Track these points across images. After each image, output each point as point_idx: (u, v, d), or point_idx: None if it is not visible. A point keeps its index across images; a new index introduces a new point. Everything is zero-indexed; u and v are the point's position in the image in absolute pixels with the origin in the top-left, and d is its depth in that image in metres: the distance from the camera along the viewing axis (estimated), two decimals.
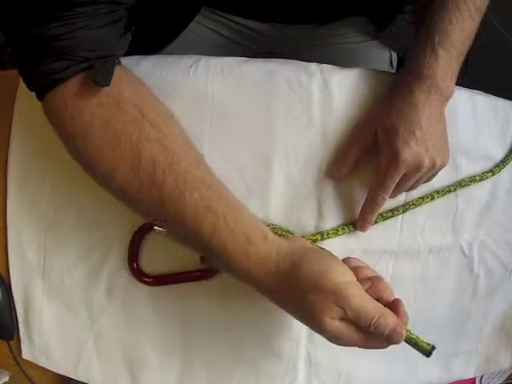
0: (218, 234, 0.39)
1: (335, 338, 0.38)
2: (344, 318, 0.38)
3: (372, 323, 0.37)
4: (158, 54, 0.56)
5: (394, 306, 0.40)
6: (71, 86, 0.39)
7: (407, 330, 0.40)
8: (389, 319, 0.38)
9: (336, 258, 0.42)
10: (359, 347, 0.39)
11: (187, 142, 0.42)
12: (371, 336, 0.38)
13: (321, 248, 0.46)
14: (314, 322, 0.38)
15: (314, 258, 0.40)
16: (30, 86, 0.40)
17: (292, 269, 0.39)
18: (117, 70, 0.40)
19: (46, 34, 0.36)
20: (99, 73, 0.38)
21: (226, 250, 0.39)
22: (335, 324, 0.38)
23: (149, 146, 0.39)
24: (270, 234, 0.41)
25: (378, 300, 0.39)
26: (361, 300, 0.38)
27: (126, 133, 0.39)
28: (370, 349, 0.40)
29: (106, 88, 0.38)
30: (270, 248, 0.40)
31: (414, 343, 0.41)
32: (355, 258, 0.44)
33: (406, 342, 0.41)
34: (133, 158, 0.39)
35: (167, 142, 0.39)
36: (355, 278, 0.40)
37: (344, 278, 0.39)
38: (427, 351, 0.41)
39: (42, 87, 0.39)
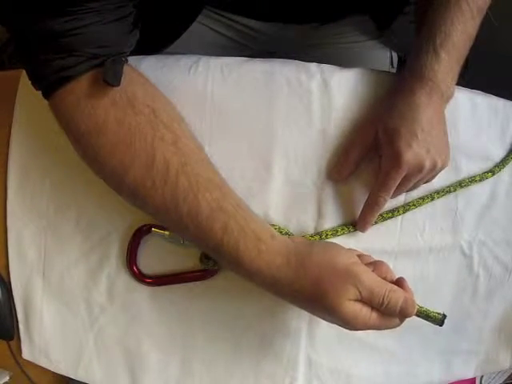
0: (230, 233, 0.40)
1: (351, 321, 0.39)
2: (358, 299, 0.39)
3: (385, 298, 0.39)
4: (159, 53, 0.56)
5: (398, 283, 0.42)
6: (83, 83, 0.39)
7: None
8: (398, 293, 0.40)
9: (339, 244, 0.44)
10: (374, 329, 0.40)
11: (197, 145, 0.43)
12: (384, 315, 0.40)
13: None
14: (331, 307, 0.39)
15: (321, 247, 0.42)
16: (38, 83, 0.40)
17: (302, 260, 0.40)
18: (128, 70, 0.40)
19: (54, 29, 0.36)
20: (109, 72, 0.38)
21: (237, 248, 0.40)
22: (351, 305, 0.39)
23: (163, 146, 0.40)
24: (276, 232, 0.43)
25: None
26: (370, 277, 0.40)
27: (141, 132, 0.39)
28: (384, 329, 0.41)
29: (119, 87, 0.39)
30: (279, 245, 0.41)
31: (425, 315, 0.42)
32: (355, 249, 0.46)
33: (417, 315, 0.42)
34: (146, 157, 0.39)
35: (180, 143, 0.40)
36: (359, 260, 0.42)
37: (352, 259, 0.41)
38: (439, 320, 0.42)
39: (51, 84, 0.39)
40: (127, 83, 0.39)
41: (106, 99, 0.39)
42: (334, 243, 0.44)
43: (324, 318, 0.42)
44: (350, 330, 0.41)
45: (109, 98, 0.39)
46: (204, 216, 0.40)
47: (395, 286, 0.40)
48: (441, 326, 0.43)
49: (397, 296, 0.39)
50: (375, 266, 0.43)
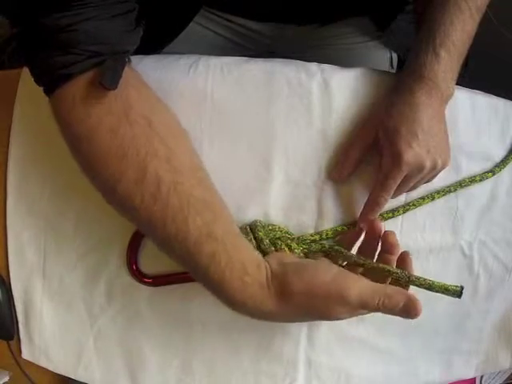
0: (217, 263, 0.38)
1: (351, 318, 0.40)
2: (351, 310, 0.39)
3: (380, 305, 0.38)
4: (158, 54, 0.56)
5: (401, 259, 0.42)
6: (81, 83, 0.37)
7: (432, 281, 0.41)
8: (396, 297, 0.38)
9: (311, 260, 0.43)
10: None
11: (194, 161, 0.41)
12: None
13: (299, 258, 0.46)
14: (326, 320, 0.40)
15: (296, 275, 0.39)
16: (39, 80, 0.39)
17: (281, 289, 0.39)
18: (127, 74, 0.38)
19: (53, 24, 0.35)
20: (108, 71, 0.36)
21: (222, 279, 0.38)
22: (346, 316, 0.39)
23: (156, 162, 0.38)
24: (260, 258, 0.41)
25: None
26: (358, 288, 0.38)
27: (134, 146, 0.38)
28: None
29: (116, 92, 0.37)
30: (261, 276, 0.39)
31: (443, 290, 0.42)
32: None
33: (436, 291, 0.41)
34: (138, 171, 0.38)
35: (175, 161, 0.39)
36: (341, 268, 0.41)
37: (330, 272, 0.39)
38: (458, 292, 0.41)
39: (51, 82, 0.38)
40: (122, 87, 0.37)
41: (101, 104, 0.37)
42: (307, 260, 0.43)
43: None
44: None
45: (104, 103, 0.37)
46: (192, 240, 0.38)
47: (391, 289, 0.38)
48: (459, 297, 0.41)
49: (394, 302, 0.38)
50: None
